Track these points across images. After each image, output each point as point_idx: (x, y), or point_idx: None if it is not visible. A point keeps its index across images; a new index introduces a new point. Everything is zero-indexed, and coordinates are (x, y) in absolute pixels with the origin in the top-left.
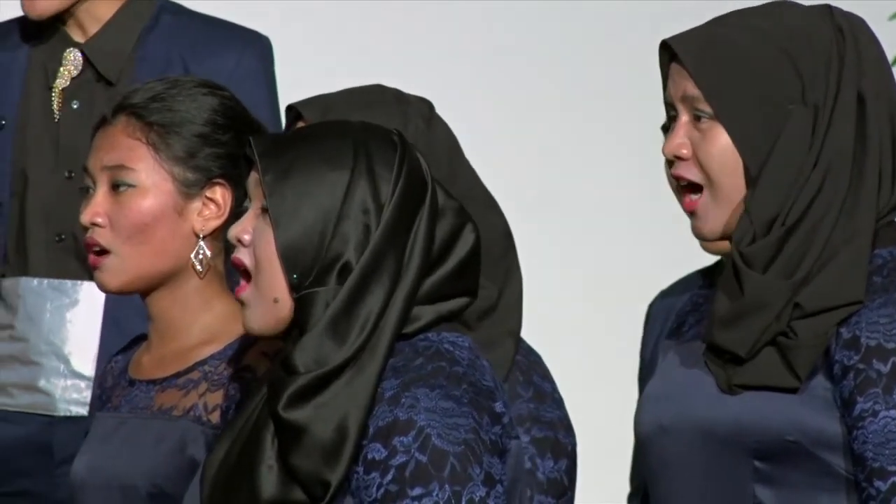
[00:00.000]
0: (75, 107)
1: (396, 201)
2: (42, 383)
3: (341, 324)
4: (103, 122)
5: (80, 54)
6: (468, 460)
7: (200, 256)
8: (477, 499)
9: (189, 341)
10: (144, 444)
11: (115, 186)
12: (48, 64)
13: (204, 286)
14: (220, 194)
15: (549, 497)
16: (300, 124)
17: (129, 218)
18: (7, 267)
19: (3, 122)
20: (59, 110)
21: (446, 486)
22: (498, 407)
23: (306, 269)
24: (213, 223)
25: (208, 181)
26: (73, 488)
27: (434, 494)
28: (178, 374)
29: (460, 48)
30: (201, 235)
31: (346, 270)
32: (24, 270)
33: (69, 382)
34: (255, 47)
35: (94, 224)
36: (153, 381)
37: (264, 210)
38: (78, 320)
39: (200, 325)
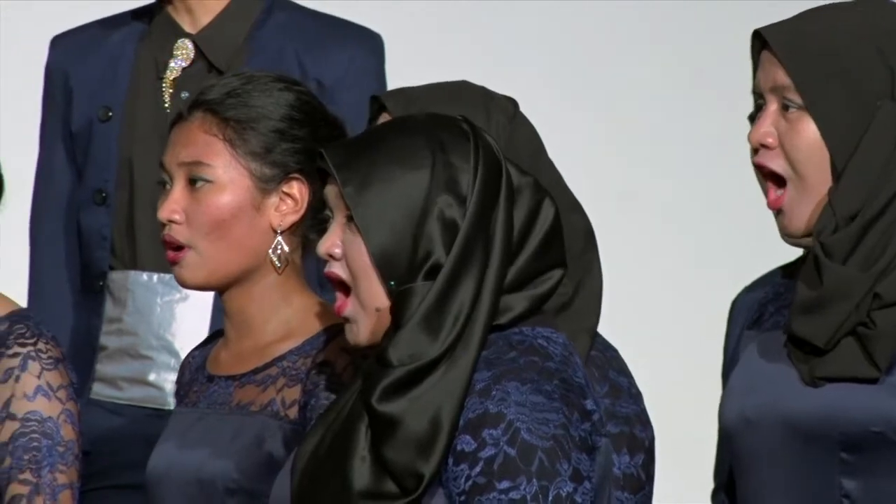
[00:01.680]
0: (186, 97)
1: (478, 189)
2: (152, 377)
3: (434, 318)
4: (179, 118)
5: (191, 45)
6: (556, 455)
7: (279, 252)
8: (564, 494)
9: (267, 337)
10: (222, 440)
11: (192, 182)
12: (158, 55)
13: (282, 281)
14: (298, 189)
15: (625, 492)
16: (383, 116)
17: (206, 214)
18: (115, 259)
19: (111, 114)
20: (169, 101)
21: (534, 480)
22: (588, 404)
23: (402, 273)
24: (291, 218)
25: (285, 176)
26: (150, 484)
27: (521, 488)
28: (256, 370)
29: (539, 45)
30: (279, 231)
31: (436, 267)
32: (133, 262)
33: None
34: (369, 45)
35: (171, 221)
36: (232, 377)
37: (349, 219)
38: (188, 315)
39: (278, 320)
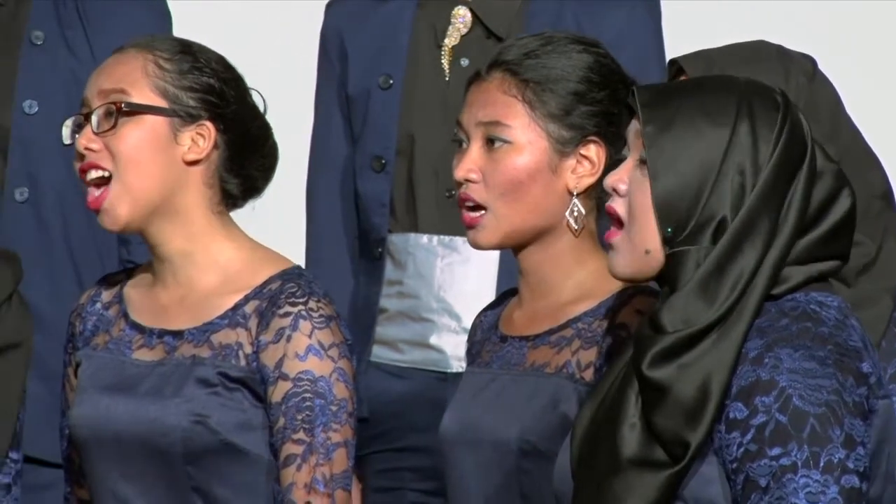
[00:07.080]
0: (464, 64)
1: (775, 163)
2: (433, 340)
3: (711, 284)
4: (477, 77)
5: (468, 11)
6: (828, 422)
7: (575, 214)
8: (836, 460)
9: (562, 298)
10: (516, 401)
11: (490, 142)
12: (436, 22)
13: (578, 243)
14: (595, 152)
15: None
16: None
17: (503, 174)
18: (395, 223)
19: (392, 82)
20: (448, 69)
21: (805, 446)
22: (865, 367)
23: (680, 224)
24: (587, 181)
25: (583, 139)
26: (442, 444)
27: (792, 455)
28: (550, 331)
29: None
30: (575, 193)
31: (720, 229)
32: (414, 226)
33: (461, 339)
34: (646, 3)
35: (468, 180)
36: (525, 338)
37: (642, 161)
38: (470, 277)
39: (574, 282)
